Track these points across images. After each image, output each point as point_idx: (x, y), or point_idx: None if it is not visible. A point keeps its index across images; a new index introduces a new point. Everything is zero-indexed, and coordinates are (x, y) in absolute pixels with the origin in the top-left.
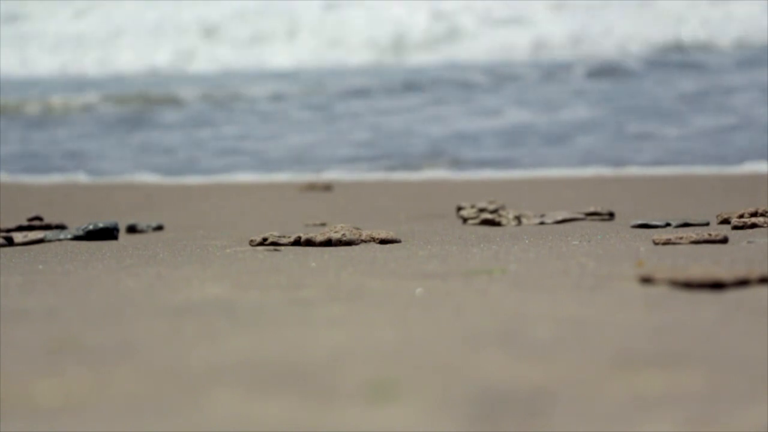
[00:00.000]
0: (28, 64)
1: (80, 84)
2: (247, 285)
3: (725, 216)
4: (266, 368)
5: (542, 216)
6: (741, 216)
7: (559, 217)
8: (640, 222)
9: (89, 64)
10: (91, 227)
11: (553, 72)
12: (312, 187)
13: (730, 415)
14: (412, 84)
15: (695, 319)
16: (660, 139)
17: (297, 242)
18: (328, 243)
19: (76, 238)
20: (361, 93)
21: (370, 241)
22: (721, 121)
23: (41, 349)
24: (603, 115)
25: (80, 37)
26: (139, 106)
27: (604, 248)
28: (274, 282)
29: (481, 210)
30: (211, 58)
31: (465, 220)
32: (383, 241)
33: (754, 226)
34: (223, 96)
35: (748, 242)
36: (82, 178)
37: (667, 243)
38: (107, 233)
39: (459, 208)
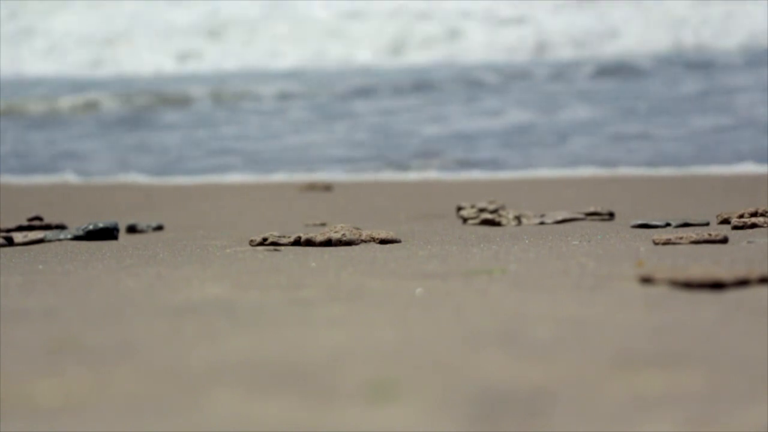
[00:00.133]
0: (29, 64)
1: (81, 84)
2: (247, 285)
3: (725, 216)
4: (266, 368)
5: (542, 216)
6: (741, 216)
7: (559, 217)
8: (640, 222)
9: (90, 64)
10: (91, 227)
11: (556, 72)
12: (312, 187)
13: (730, 415)
14: (413, 84)
15: (695, 319)
16: (661, 139)
17: (297, 242)
18: (328, 243)
19: (76, 238)
20: (363, 93)
21: (370, 241)
22: (723, 121)
23: (41, 349)
24: (604, 116)
25: (82, 37)
26: (140, 106)
27: (604, 248)
28: (274, 282)
29: (481, 210)
30: (212, 59)
31: (465, 220)
32: (383, 241)
33: (754, 226)
34: (224, 96)
35: (748, 242)
36: (82, 178)
37: (667, 243)
38: (107, 233)
39: (459, 208)
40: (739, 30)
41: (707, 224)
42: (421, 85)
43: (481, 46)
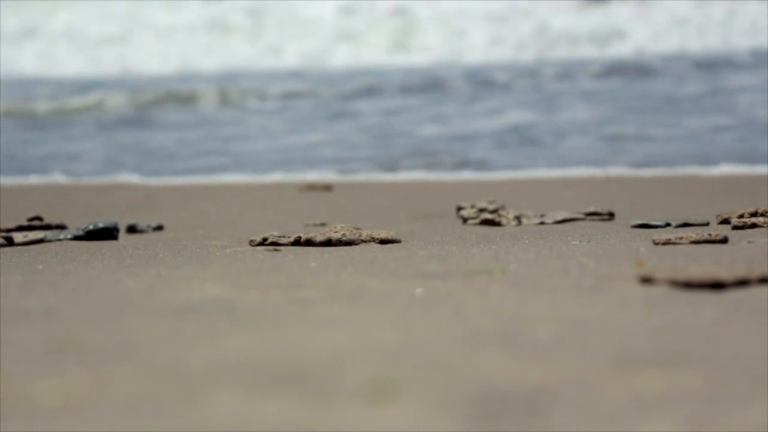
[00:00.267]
0: (29, 64)
1: (81, 84)
2: (247, 285)
3: (725, 216)
4: (266, 368)
5: (542, 216)
6: (741, 216)
7: (559, 217)
8: (640, 222)
9: (91, 64)
10: (91, 227)
11: (559, 72)
12: (312, 187)
13: (730, 415)
14: (415, 84)
15: (695, 319)
16: (661, 139)
17: (297, 242)
18: (328, 243)
19: (76, 238)
20: (365, 93)
21: (370, 241)
22: (725, 121)
23: (41, 349)
24: (606, 116)
25: (82, 37)
26: (141, 106)
27: (604, 248)
28: (274, 282)
29: (481, 210)
30: (213, 59)
31: (465, 220)
32: (383, 241)
33: (754, 226)
34: (224, 96)
35: (748, 242)
36: (81, 178)
37: (667, 243)
38: (107, 233)
39: (459, 208)
40: (745, 30)
41: (707, 224)
42: (423, 84)
43: (485, 45)
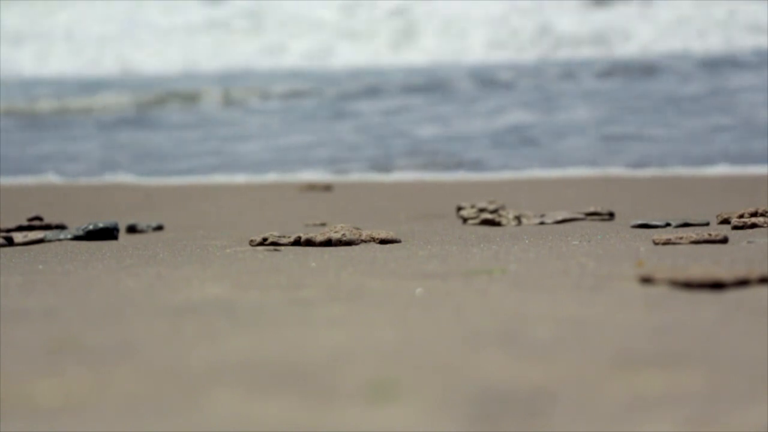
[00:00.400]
0: (31, 64)
1: (81, 83)
2: (247, 285)
3: (725, 216)
4: (266, 368)
5: (542, 216)
6: (741, 216)
7: (559, 217)
8: (640, 222)
9: (92, 63)
10: (91, 227)
11: (561, 71)
12: (312, 187)
13: (730, 415)
14: (416, 84)
15: (695, 319)
16: (662, 139)
17: (297, 242)
18: (328, 243)
19: (76, 238)
20: (364, 93)
21: (370, 241)
22: (725, 121)
23: (41, 349)
24: (607, 115)
25: (82, 37)
26: (142, 106)
27: (604, 248)
28: (274, 282)
29: (481, 210)
30: (214, 59)
31: (465, 220)
32: (383, 241)
33: (754, 226)
34: (224, 96)
35: (748, 242)
36: (81, 178)
37: (667, 243)
38: (107, 233)
39: (459, 208)
40: (747, 30)
41: (707, 224)
42: (424, 84)
43: (486, 45)
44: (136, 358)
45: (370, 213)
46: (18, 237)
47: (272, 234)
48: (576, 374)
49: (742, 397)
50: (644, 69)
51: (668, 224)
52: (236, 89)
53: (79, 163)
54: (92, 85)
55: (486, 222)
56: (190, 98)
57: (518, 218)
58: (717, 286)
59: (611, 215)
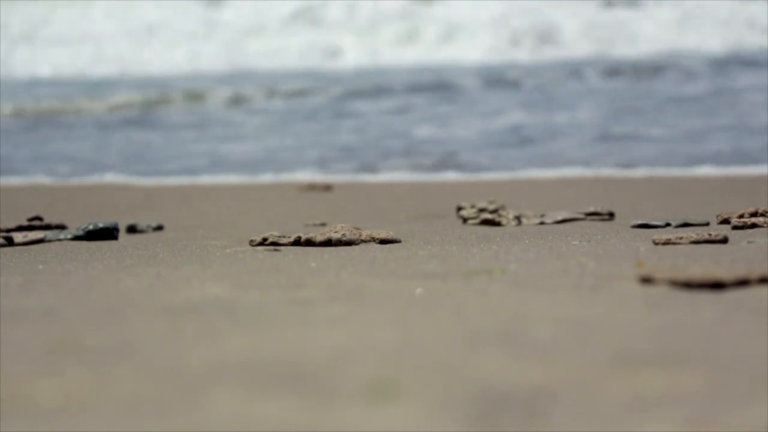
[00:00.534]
0: (31, 64)
1: (82, 84)
2: (247, 285)
3: (725, 216)
4: (266, 368)
5: (542, 216)
6: (741, 216)
7: (559, 217)
8: (640, 222)
9: (92, 64)
10: (91, 227)
11: (562, 71)
12: (312, 187)
13: (730, 415)
14: (416, 84)
15: (695, 319)
16: (663, 139)
17: (297, 242)
18: (328, 243)
19: (76, 238)
20: (365, 93)
21: (370, 241)
22: (725, 121)
23: (41, 349)
24: (607, 115)
25: (88, 37)
26: (142, 106)
27: (604, 248)
28: (274, 282)
29: (481, 210)
30: (215, 59)
31: (465, 220)
32: (383, 241)
33: (754, 226)
34: (224, 96)
35: (748, 242)
36: (81, 178)
37: (667, 243)
38: (107, 233)
39: (459, 208)
40: (751, 30)
41: (707, 224)
42: (425, 84)
43: (488, 45)
44: (136, 358)
45: (370, 213)
46: (18, 237)
47: (272, 234)
48: (576, 374)
49: (742, 397)
50: (645, 69)
51: (668, 224)
52: (239, 89)
53: (79, 163)
54: (91, 85)
55: (486, 222)
56: (192, 98)
57: (518, 218)
58: (717, 286)
59: (611, 215)
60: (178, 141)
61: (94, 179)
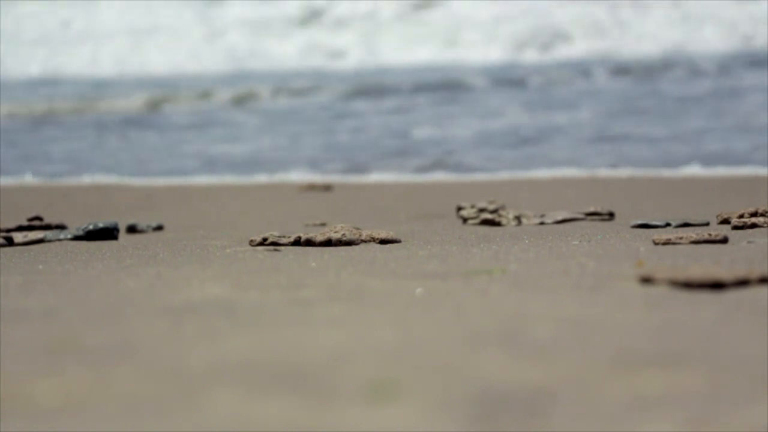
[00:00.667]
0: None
1: (82, 84)
2: (247, 285)
3: (725, 216)
4: (266, 368)
5: (542, 216)
6: (741, 216)
7: (559, 217)
8: (640, 222)
9: (92, 64)
10: (91, 227)
11: (560, 71)
12: (312, 187)
13: (730, 415)
14: (416, 84)
15: (695, 319)
16: (662, 139)
17: (297, 242)
18: (328, 243)
19: (76, 238)
20: (365, 93)
21: (370, 241)
22: (726, 121)
23: (41, 349)
24: (607, 115)
25: (88, 37)
26: (142, 106)
27: (604, 248)
28: (274, 282)
29: (481, 210)
30: (215, 59)
31: (465, 220)
32: (383, 241)
33: (754, 226)
34: (224, 96)
35: (748, 242)
36: (81, 178)
37: (667, 243)
38: (107, 233)
39: (459, 208)
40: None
41: (707, 224)
42: (426, 84)
43: (488, 45)
44: (136, 358)
45: (370, 213)
46: (18, 237)
47: (272, 234)
48: (576, 374)
49: (742, 397)
50: (646, 69)
51: (668, 224)
52: (240, 89)
53: (79, 163)
54: (91, 85)
55: (486, 222)
56: (192, 98)
57: (518, 218)
58: (717, 286)
59: (611, 215)
60: (179, 141)
61: (95, 179)
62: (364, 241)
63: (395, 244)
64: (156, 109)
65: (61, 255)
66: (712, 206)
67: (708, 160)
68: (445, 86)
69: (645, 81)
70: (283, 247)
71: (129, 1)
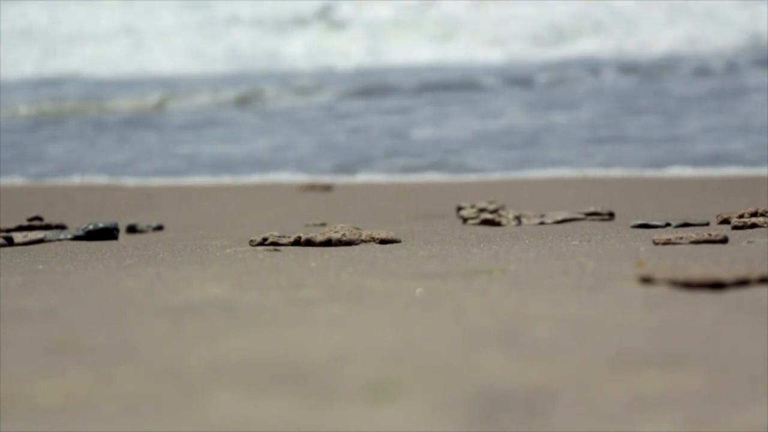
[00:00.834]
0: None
1: (82, 84)
2: (247, 285)
3: (725, 216)
4: (266, 368)
5: (542, 216)
6: (741, 216)
7: (559, 217)
8: (640, 222)
9: (92, 64)
10: (91, 227)
11: (559, 71)
12: (312, 187)
13: (730, 415)
14: (415, 84)
15: (695, 319)
16: (663, 139)
17: (297, 242)
18: (328, 243)
19: (76, 238)
20: (366, 93)
21: (370, 241)
22: (726, 122)
23: (41, 349)
24: (607, 115)
25: (88, 37)
26: (142, 106)
27: (604, 248)
28: (274, 282)
29: (481, 210)
30: (216, 59)
31: (465, 220)
32: (383, 241)
33: (754, 226)
34: (224, 96)
35: (748, 242)
36: (82, 178)
37: (667, 243)
38: (107, 233)
39: (459, 208)
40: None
41: (707, 224)
42: (427, 85)
43: (489, 44)
44: (136, 358)
45: (370, 213)
46: (18, 237)
47: (272, 234)
48: (576, 374)
49: (742, 397)
50: (647, 68)
51: (668, 224)
52: (241, 89)
53: (79, 163)
54: (91, 85)
55: (486, 222)
56: (192, 99)
57: (518, 218)
58: (717, 286)
59: (611, 215)
60: (179, 141)
61: (95, 179)
62: (364, 241)
63: (395, 244)
64: (156, 109)
65: (61, 255)
66: (712, 206)
67: (709, 160)
68: (445, 86)
69: (649, 80)
70: (283, 247)
71: (129, 1)
